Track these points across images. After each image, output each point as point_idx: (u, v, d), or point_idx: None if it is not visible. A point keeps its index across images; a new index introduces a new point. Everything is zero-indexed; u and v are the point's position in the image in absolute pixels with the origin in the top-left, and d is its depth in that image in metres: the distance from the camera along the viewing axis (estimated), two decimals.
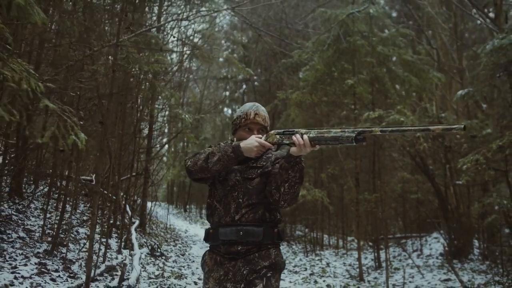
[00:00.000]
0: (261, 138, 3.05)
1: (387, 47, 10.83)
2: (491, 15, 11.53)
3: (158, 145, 19.49)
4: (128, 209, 13.30)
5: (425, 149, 10.60)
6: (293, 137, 2.85)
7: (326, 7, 16.23)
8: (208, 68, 25.85)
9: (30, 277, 6.62)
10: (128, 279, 7.31)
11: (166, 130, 22.21)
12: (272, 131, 3.07)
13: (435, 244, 14.12)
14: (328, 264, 13.46)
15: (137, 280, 7.71)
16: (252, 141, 2.98)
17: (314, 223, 18.89)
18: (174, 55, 19.55)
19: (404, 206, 17.21)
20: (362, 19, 11.35)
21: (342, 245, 18.05)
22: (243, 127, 3.24)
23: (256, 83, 28.36)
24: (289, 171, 2.84)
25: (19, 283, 6.26)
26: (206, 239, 3.21)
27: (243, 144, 3.00)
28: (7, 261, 6.95)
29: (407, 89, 11.15)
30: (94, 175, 12.91)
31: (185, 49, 16.12)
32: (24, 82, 3.11)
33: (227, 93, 31.25)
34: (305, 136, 2.78)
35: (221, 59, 29.61)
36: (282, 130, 3.01)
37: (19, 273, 6.58)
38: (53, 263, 7.66)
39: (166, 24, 14.10)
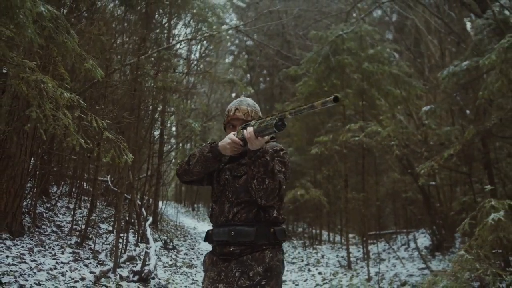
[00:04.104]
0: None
1: (372, 63, 12.08)
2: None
3: (169, 146, 20.76)
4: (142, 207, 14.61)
5: (407, 152, 12.03)
6: (243, 131, 2.77)
7: (327, 19, 17.58)
8: (214, 72, 26.68)
9: (68, 263, 8.02)
10: (148, 264, 8.71)
11: (174, 132, 23.49)
12: (240, 126, 2.96)
13: (422, 238, 15.41)
14: (322, 256, 14.85)
15: (155, 267, 9.11)
16: (226, 139, 2.90)
17: (313, 220, 20.10)
18: (181, 61, 20.66)
19: (395, 204, 18.45)
20: (351, 38, 12.64)
21: (340, 241, 19.24)
22: (227, 124, 3.20)
23: (261, 85, 29.56)
24: (252, 167, 2.73)
25: (60, 267, 7.65)
26: (205, 239, 3.17)
27: (221, 142, 2.94)
28: (47, 250, 8.35)
29: (391, 100, 12.40)
30: (109, 175, 14.26)
31: (193, 70, 17.35)
32: (94, 121, 4.52)
33: (233, 94, 32.07)
34: (250, 128, 2.69)
35: (227, 60, 30.86)
36: (244, 124, 2.88)
37: (59, 259, 7.99)
38: (84, 253, 9.07)
39: (175, 41, 15.44)
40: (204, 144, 3.12)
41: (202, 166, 3.03)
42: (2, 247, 7.43)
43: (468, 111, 13.25)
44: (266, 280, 2.80)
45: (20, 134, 8.22)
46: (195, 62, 20.18)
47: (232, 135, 2.90)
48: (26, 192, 9.94)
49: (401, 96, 12.36)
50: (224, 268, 2.92)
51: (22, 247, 7.88)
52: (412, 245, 15.00)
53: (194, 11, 12.78)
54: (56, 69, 5.04)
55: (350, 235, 20.20)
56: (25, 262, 7.14)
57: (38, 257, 7.67)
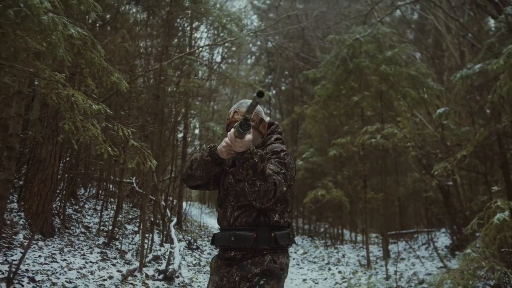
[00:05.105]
0: None
1: (389, 66, 12.25)
2: None
3: (192, 148, 21.18)
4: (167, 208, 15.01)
5: (424, 153, 12.21)
6: (229, 133, 2.67)
7: (347, 20, 17.77)
8: (236, 73, 26.91)
9: (96, 262, 8.41)
10: (173, 264, 9.07)
11: (197, 134, 23.95)
12: None
13: (443, 238, 15.52)
14: (343, 256, 15.06)
15: (179, 267, 9.47)
16: (223, 142, 2.80)
17: (335, 220, 20.29)
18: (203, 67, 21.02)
19: (416, 204, 18.54)
20: (369, 41, 12.83)
21: (362, 240, 19.37)
22: (228, 127, 3.09)
23: (282, 86, 29.81)
24: (241, 170, 2.64)
25: (89, 266, 8.04)
26: (211, 242, 3.15)
27: (219, 146, 2.86)
28: (76, 250, 8.75)
29: (409, 101, 12.56)
30: (134, 177, 14.67)
31: (213, 77, 17.72)
32: (120, 130, 4.89)
33: (255, 95, 32.09)
34: (231, 131, 2.60)
35: (249, 61, 31.12)
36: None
37: (88, 259, 8.38)
38: (111, 252, 9.46)
39: (196, 47, 15.80)
40: (204, 148, 3.10)
41: (202, 170, 3.00)
42: (34, 247, 7.84)
43: (488, 111, 13.35)
44: (265, 279, 2.77)
45: (50, 140, 8.64)
46: (217, 65, 20.53)
47: (227, 138, 2.76)
48: (56, 194, 10.37)
49: (419, 97, 12.51)
50: (226, 273, 2.91)
51: (53, 247, 8.28)
52: (433, 244, 15.13)
53: (213, 18, 13.09)
54: (84, 79, 5.43)
55: (373, 235, 20.37)
56: (56, 262, 7.53)
57: (68, 257, 8.06)
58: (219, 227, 3.08)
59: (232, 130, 2.58)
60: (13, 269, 5.43)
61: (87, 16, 9.33)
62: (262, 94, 2.24)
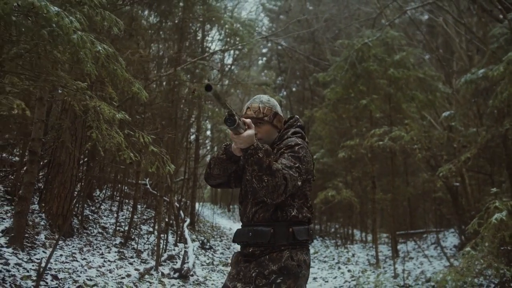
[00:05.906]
0: None
1: (397, 69, 12.50)
2: None
3: (205, 150, 21.54)
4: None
5: (431, 155, 12.48)
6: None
7: (356, 23, 18.02)
8: (248, 76, 27.12)
9: (114, 261, 8.76)
10: (187, 263, 9.41)
11: (209, 135, 24.31)
12: None
13: (451, 238, 15.74)
14: (353, 255, 15.33)
15: (193, 265, 9.80)
16: None
17: (345, 220, 20.53)
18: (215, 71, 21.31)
19: (425, 204, 18.73)
20: (377, 45, 13.09)
21: (372, 240, 19.59)
22: None
23: (293, 89, 30.07)
24: (247, 166, 2.61)
25: (108, 265, 8.39)
26: (233, 239, 3.08)
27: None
28: (95, 249, 9.11)
29: (417, 103, 12.80)
30: (148, 179, 15.01)
31: (226, 82, 18.01)
32: (141, 137, 5.24)
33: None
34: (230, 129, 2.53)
35: (260, 62, 31.40)
36: None
37: (106, 258, 8.74)
38: (128, 252, 9.82)
39: (209, 52, 16.15)
40: (220, 146, 3.06)
41: (219, 169, 3.00)
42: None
43: (495, 111, 13.55)
44: (282, 278, 2.69)
45: (69, 143, 9.01)
46: (228, 67, 20.85)
47: None
48: (74, 196, 10.74)
49: (427, 99, 12.74)
50: (244, 268, 2.84)
51: (73, 246, 8.64)
52: (442, 243, 15.33)
53: (226, 26, 13.41)
54: (104, 88, 5.79)
55: (384, 235, 20.59)
56: (77, 260, 7.88)
57: (88, 256, 8.42)
58: (241, 223, 3.06)
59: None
60: (42, 267, 5.78)
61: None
62: (208, 87, 2.12)
